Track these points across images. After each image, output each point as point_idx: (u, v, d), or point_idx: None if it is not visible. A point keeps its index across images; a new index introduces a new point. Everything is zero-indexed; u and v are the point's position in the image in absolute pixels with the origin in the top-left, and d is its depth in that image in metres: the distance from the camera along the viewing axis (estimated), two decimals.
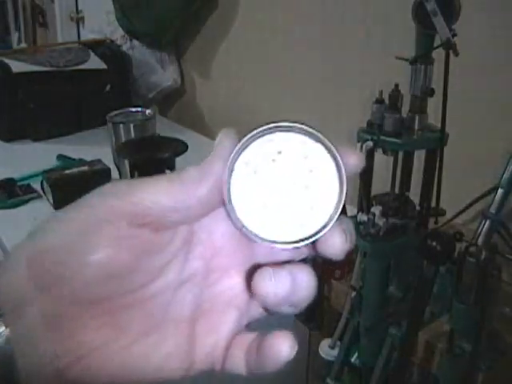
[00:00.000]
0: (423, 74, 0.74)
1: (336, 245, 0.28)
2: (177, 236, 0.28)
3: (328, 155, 0.28)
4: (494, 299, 0.71)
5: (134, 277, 0.27)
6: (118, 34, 1.78)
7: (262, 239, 0.28)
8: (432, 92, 0.74)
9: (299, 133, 0.28)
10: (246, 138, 0.28)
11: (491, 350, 0.73)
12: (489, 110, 0.97)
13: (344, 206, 0.28)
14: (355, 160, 0.28)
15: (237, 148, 0.28)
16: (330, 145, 0.28)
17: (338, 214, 0.28)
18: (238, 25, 1.54)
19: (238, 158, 0.28)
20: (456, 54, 0.70)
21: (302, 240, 0.28)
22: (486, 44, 0.94)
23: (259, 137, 0.28)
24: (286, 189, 0.28)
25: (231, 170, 0.28)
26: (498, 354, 0.73)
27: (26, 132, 1.53)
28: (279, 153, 0.28)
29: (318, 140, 0.28)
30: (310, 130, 0.28)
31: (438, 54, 0.71)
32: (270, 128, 0.28)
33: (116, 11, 1.65)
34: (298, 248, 0.28)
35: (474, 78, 0.95)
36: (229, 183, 0.28)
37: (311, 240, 0.28)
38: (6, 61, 1.48)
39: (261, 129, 0.28)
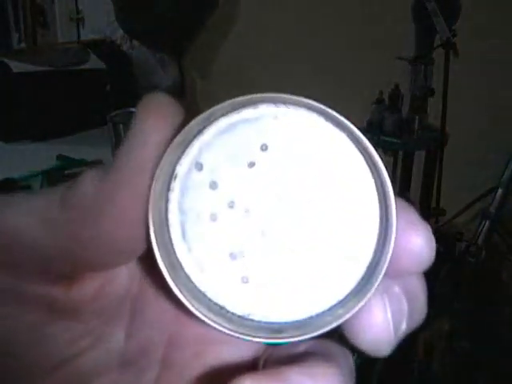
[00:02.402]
0: (423, 73, 0.74)
1: (373, 330, 0.15)
2: (107, 288, 0.17)
3: (361, 157, 0.14)
4: (494, 299, 0.71)
5: (25, 360, 0.16)
6: (118, 34, 1.78)
7: (227, 321, 0.14)
8: (432, 92, 0.74)
9: (305, 109, 0.14)
10: (200, 117, 0.14)
11: (491, 349, 0.72)
12: (489, 110, 0.97)
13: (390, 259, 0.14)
14: (417, 244, 0.15)
15: (181, 136, 0.14)
16: (362, 137, 0.13)
17: (382, 275, 0.14)
18: (239, 25, 1.54)
19: (182, 155, 0.14)
20: (456, 53, 0.70)
21: (304, 330, 0.14)
22: (486, 43, 0.94)
23: (225, 115, 0.14)
24: (275, 222, 0.14)
25: (169, 180, 0.14)
26: (497, 353, 0.73)
27: (25, 132, 1.52)
28: (263, 148, 0.14)
29: (341, 126, 0.14)
30: (325, 107, 0.14)
31: (438, 54, 0.71)
32: (248, 100, 0.14)
33: (116, 11, 1.65)
34: (292, 343, 0.14)
35: (474, 78, 0.95)
36: (165, 207, 0.14)
37: (324, 329, 0.14)
38: (6, 61, 1.48)
39: (231, 101, 0.14)
